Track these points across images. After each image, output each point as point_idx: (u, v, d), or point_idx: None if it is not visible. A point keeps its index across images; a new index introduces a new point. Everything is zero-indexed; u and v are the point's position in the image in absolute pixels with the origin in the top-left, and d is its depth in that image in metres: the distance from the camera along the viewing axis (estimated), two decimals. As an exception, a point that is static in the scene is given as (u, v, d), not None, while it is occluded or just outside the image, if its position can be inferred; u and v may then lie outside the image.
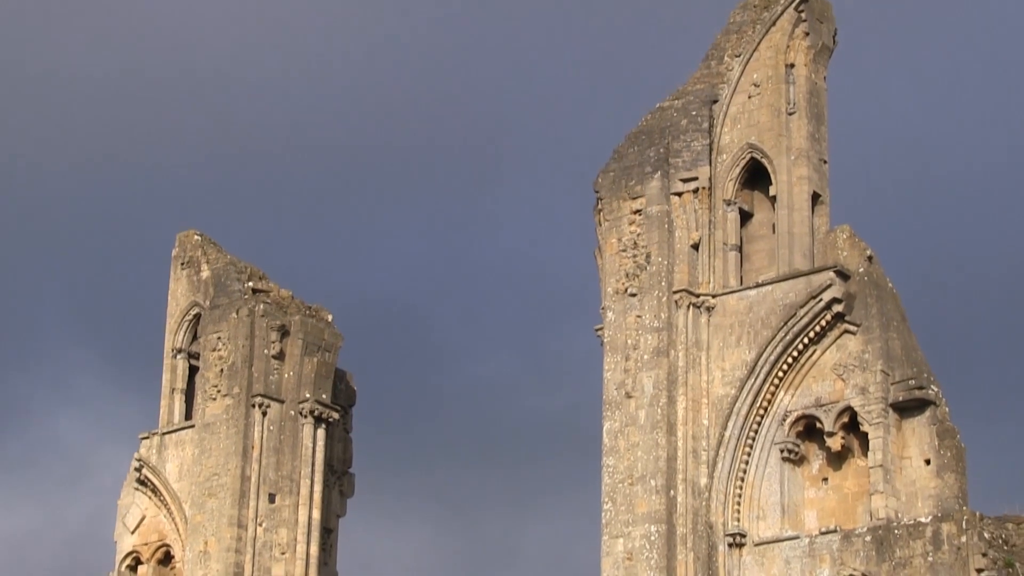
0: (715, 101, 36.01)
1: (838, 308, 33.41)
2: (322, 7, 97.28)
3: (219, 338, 40.21)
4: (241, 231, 78.67)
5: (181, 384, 41.80)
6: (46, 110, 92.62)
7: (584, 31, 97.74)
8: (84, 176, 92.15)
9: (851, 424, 33.28)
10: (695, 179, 35.46)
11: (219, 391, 39.78)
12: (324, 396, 40.29)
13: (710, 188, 35.53)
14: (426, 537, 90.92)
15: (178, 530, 40.10)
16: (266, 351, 39.93)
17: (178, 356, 41.97)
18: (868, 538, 32.21)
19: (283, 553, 39.16)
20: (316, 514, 39.77)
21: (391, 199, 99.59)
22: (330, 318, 41.72)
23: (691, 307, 34.79)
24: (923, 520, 31.88)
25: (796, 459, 33.86)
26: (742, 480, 33.92)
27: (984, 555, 30.96)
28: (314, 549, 39.61)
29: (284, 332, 40.23)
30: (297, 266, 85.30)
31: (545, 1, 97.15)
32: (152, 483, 40.84)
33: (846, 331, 33.51)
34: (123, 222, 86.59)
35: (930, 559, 31.41)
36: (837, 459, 33.55)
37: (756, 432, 33.97)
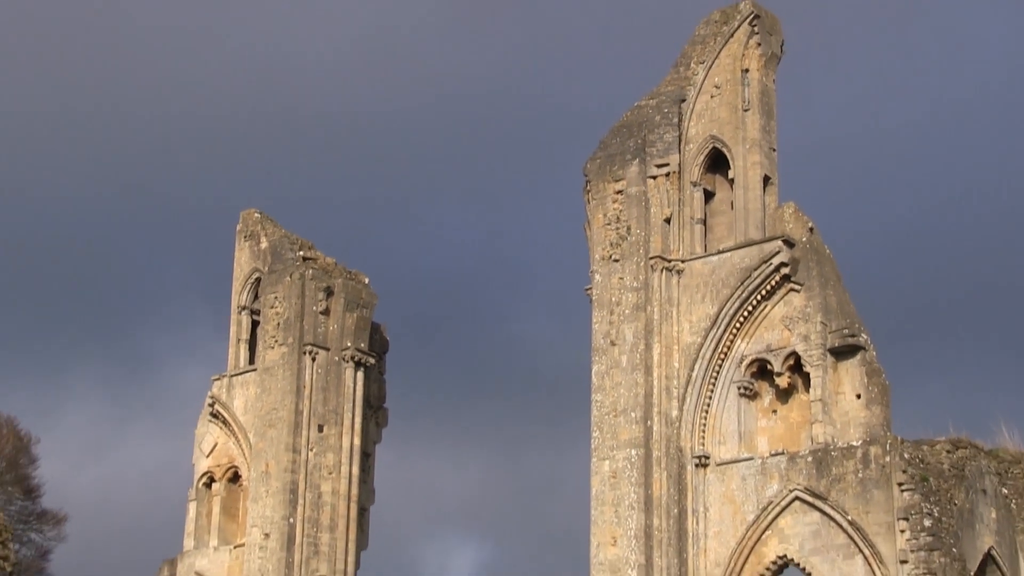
0: (683, 100, 35.71)
1: (785, 271, 33.23)
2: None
3: (276, 297, 40.24)
4: (295, 209, 78.97)
5: (245, 335, 41.74)
6: (166, 117, 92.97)
7: (578, 47, 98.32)
8: (190, 169, 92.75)
9: (796, 366, 33.05)
10: (667, 165, 35.22)
11: (276, 341, 39.84)
12: (362, 345, 40.37)
13: (679, 172, 35.28)
14: (473, 468, 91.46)
15: (244, 455, 40.21)
16: (314, 308, 39.96)
17: (242, 312, 41.88)
18: (810, 459, 32.16)
19: (330, 473, 39.32)
20: (356, 441, 39.92)
21: (440, 183, 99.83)
22: (367, 280, 41.73)
23: (664, 270, 34.59)
24: (855, 444, 31.82)
25: (751, 395, 33.72)
26: (706, 412, 33.81)
27: (904, 472, 30.89)
28: (355, 470, 39.76)
29: (329, 292, 40.22)
30: (353, 239, 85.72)
31: (548, 27, 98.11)
32: (223, 416, 40.91)
33: (791, 289, 33.30)
34: (212, 200, 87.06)
35: (860, 476, 31.39)
36: (784, 395, 33.32)
37: (718, 373, 33.86)
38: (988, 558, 32.54)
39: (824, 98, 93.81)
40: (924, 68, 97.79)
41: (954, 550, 30.54)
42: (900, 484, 30.84)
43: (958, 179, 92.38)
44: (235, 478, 40.79)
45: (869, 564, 30.87)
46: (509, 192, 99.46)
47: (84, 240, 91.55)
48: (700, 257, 34.70)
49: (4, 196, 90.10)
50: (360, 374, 40.23)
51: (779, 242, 33.48)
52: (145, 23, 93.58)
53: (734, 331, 33.86)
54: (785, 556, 32.25)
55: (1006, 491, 33.66)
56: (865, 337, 32.74)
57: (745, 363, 33.73)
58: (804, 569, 32.01)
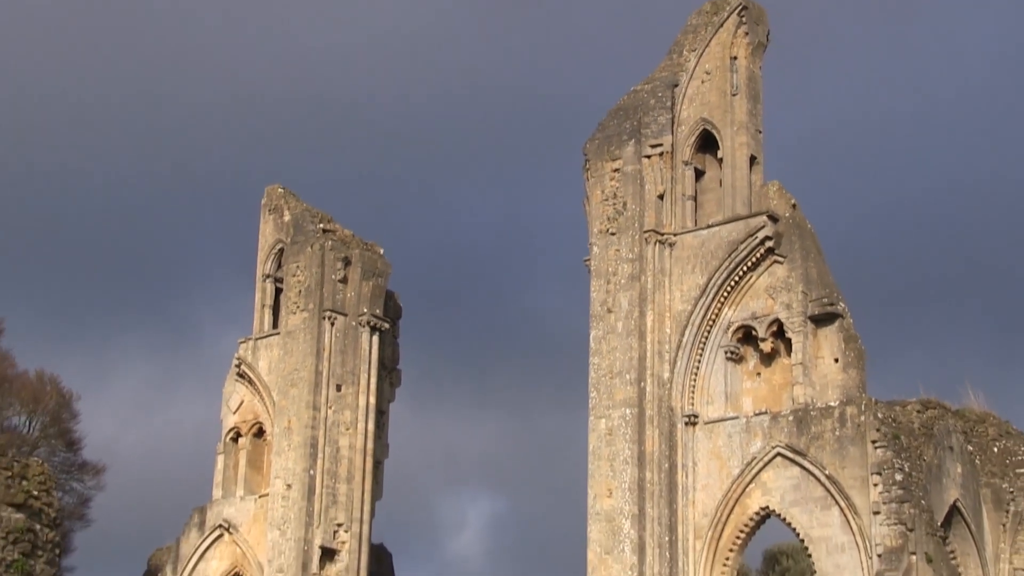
0: (676, 85, 35.62)
1: (769, 244, 33.22)
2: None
3: (298, 266, 40.21)
4: (317, 183, 79.14)
5: (269, 301, 41.56)
6: (192, 104, 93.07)
7: (582, 40, 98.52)
8: (230, 149, 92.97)
9: (778, 332, 33.08)
10: (661, 145, 35.15)
11: (298, 307, 39.81)
12: (377, 311, 40.31)
13: (672, 152, 35.21)
14: (488, 428, 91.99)
15: (268, 411, 40.21)
16: (333, 276, 39.95)
17: (267, 280, 41.75)
18: (791, 418, 32.25)
19: (347, 429, 39.38)
20: (372, 400, 39.85)
21: (460, 166, 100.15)
22: (382, 251, 41.62)
23: (657, 243, 34.57)
24: (832, 404, 31.86)
25: (737, 358, 33.75)
26: (696, 374, 33.86)
27: (878, 430, 30.99)
28: (371, 426, 39.72)
29: (347, 262, 40.18)
30: (379, 217, 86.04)
31: (555, 23, 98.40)
32: (248, 376, 40.91)
33: (775, 261, 33.30)
34: (247, 179, 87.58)
35: (837, 434, 31.48)
36: (768, 358, 33.34)
37: (706, 338, 33.87)
38: (954, 509, 32.71)
39: (819, 88, 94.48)
40: (915, 63, 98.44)
41: (923, 502, 30.72)
42: (874, 441, 30.93)
43: (940, 167, 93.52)
44: (260, 433, 40.77)
45: (845, 515, 30.99)
46: (523, 173, 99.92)
47: (130, 218, 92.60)
48: (691, 231, 34.69)
49: (61, 178, 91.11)
50: (375, 338, 40.22)
51: (764, 217, 33.46)
52: (189, 18, 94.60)
53: (722, 299, 33.88)
54: (767, 507, 32.34)
55: (971, 448, 33.86)
56: (843, 306, 32.74)
57: (732, 329, 33.75)
58: (785, 519, 32.14)
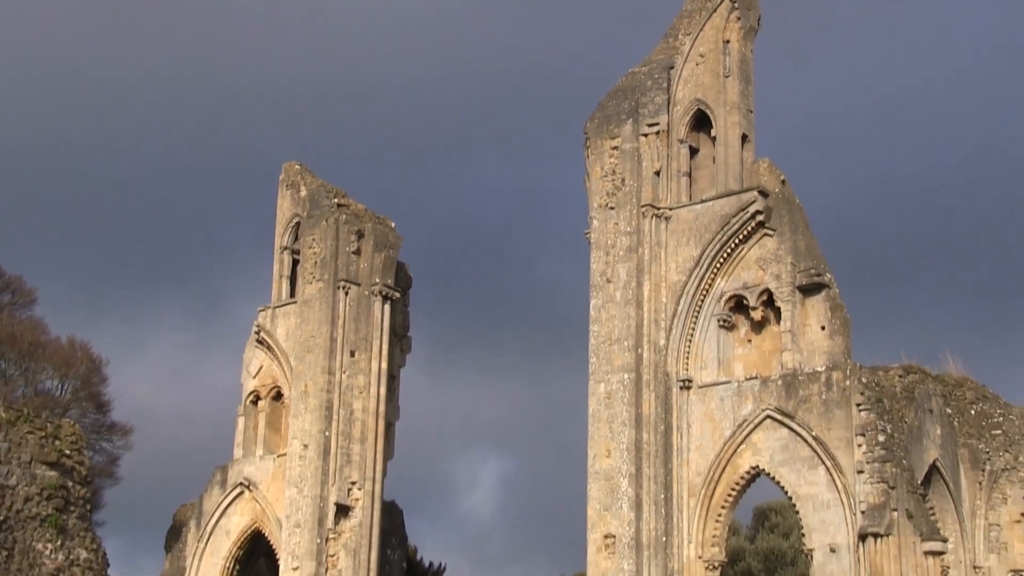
0: (672, 67, 35.63)
1: (760, 218, 33.25)
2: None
3: (314, 239, 40.22)
4: (333, 161, 79.69)
5: (287, 272, 41.55)
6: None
7: (583, 23, 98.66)
8: (245, 128, 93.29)
9: (768, 301, 33.12)
10: (657, 124, 35.17)
11: (314, 277, 39.80)
12: (389, 281, 40.20)
13: (668, 131, 35.24)
14: (501, 393, 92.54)
15: (286, 376, 40.27)
16: (347, 248, 39.92)
17: (284, 252, 41.75)
18: (779, 382, 32.33)
19: (360, 392, 39.36)
20: (384, 365, 39.77)
21: (475, 145, 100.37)
22: (393, 224, 41.52)
23: (654, 217, 34.61)
24: (819, 370, 31.92)
25: (729, 326, 33.78)
26: (690, 341, 33.87)
27: (862, 394, 31.09)
28: (383, 390, 39.62)
29: (360, 235, 40.13)
30: (396, 192, 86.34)
31: (560, 10, 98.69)
32: (267, 342, 40.96)
33: (765, 234, 33.31)
34: (262, 156, 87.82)
35: (823, 397, 31.58)
36: (758, 326, 33.38)
37: (700, 307, 33.90)
38: (933, 468, 32.89)
39: (813, 71, 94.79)
40: (908, 50, 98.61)
41: (904, 462, 30.85)
42: (858, 404, 31.05)
43: (926, 147, 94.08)
44: (278, 396, 40.87)
45: (830, 474, 31.11)
46: (534, 151, 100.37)
47: (163, 196, 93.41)
48: (685, 205, 34.69)
49: (104, 159, 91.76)
50: (387, 307, 40.14)
51: (755, 193, 33.46)
52: (222, 8, 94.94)
53: (715, 270, 33.90)
54: (757, 467, 32.44)
55: (949, 411, 34.00)
56: (829, 276, 32.76)
57: (724, 298, 33.80)
58: (774, 478, 32.25)
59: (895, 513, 30.09)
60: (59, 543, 26.04)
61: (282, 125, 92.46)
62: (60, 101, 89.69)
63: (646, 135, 35.29)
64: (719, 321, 33.81)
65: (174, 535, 41.87)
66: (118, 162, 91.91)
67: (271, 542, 39.74)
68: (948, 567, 32.47)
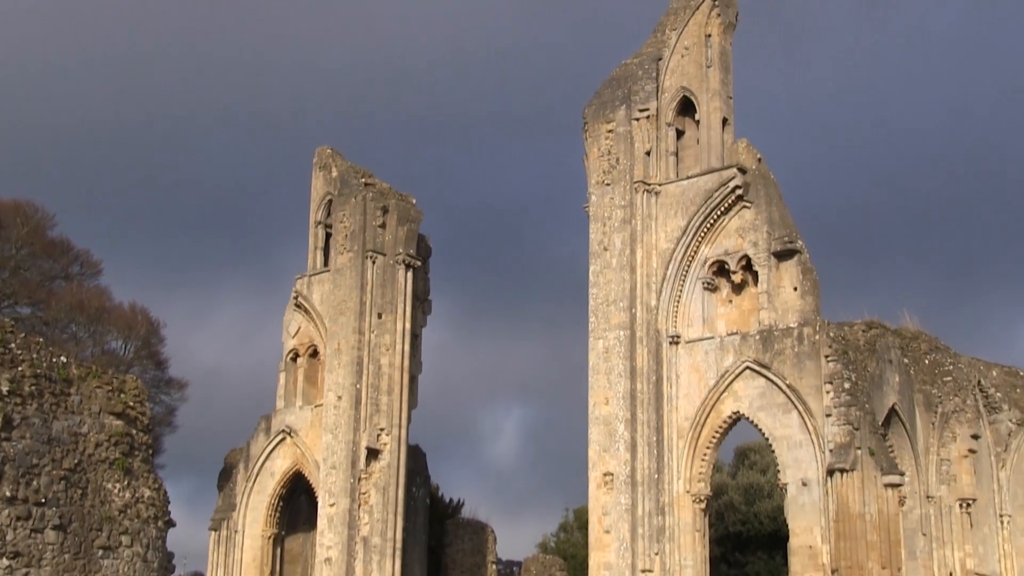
0: (660, 59, 35.66)
1: (739, 192, 33.28)
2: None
3: (344, 214, 40.19)
4: (362, 145, 79.93)
5: (321, 244, 41.52)
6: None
7: (581, 21, 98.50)
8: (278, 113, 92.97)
9: (747, 266, 33.18)
10: (647, 109, 35.23)
11: (345, 248, 39.78)
12: (411, 251, 40.08)
13: (657, 115, 35.30)
14: (523, 353, 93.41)
15: (321, 336, 40.35)
16: (374, 223, 39.88)
17: (318, 226, 41.72)
18: (757, 337, 32.45)
19: (387, 350, 39.35)
20: (407, 325, 39.72)
21: (500, 133, 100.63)
22: (414, 201, 41.34)
23: (645, 192, 34.64)
24: (792, 326, 32.03)
25: (712, 288, 33.85)
26: (678, 302, 33.97)
27: (830, 347, 31.21)
28: (407, 347, 39.58)
29: (385, 210, 40.05)
30: (426, 172, 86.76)
31: (564, 9, 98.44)
32: (304, 306, 41.03)
33: (744, 207, 33.38)
34: (301, 142, 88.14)
35: (796, 350, 31.72)
36: (738, 288, 33.43)
37: (687, 271, 33.96)
38: (892, 411, 33.08)
39: (772, 57, 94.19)
40: (888, 43, 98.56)
41: (867, 406, 31.02)
42: (826, 356, 31.20)
43: (898, 134, 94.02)
44: (314, 354, 40.99)
45: (802, 417, 31.31)
46: (556, 138, 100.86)
47: (229, 180, 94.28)
48: (673, 182, 34.72)
49: (174, 149, 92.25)
50: (409, 274, 40.10)
51: (734, 170, 33.49)
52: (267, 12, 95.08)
53: (699, 239, 33.93)
54: (738, 412, 32.57)
55: (906, 361, 34.16)
56: (801, 243, 32.78)
57: (708, 264, 33.83)
58: (753, 422, 32.37)
59: (859, 451, 30.32)
60: (126, 483, 26.49)
61: (317, 115, 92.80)
62: (138, 86, 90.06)
63: (637, 119, 35.35)
64: (703, 284, 33.92)
65: (225, 476, 42.25)
66: (186, 150, 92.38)
67: (310, 482, 40.08)
68: (905, 497, 32.74)
